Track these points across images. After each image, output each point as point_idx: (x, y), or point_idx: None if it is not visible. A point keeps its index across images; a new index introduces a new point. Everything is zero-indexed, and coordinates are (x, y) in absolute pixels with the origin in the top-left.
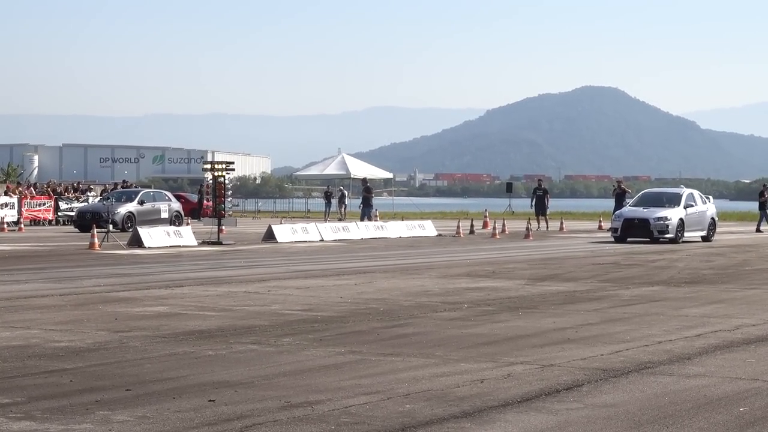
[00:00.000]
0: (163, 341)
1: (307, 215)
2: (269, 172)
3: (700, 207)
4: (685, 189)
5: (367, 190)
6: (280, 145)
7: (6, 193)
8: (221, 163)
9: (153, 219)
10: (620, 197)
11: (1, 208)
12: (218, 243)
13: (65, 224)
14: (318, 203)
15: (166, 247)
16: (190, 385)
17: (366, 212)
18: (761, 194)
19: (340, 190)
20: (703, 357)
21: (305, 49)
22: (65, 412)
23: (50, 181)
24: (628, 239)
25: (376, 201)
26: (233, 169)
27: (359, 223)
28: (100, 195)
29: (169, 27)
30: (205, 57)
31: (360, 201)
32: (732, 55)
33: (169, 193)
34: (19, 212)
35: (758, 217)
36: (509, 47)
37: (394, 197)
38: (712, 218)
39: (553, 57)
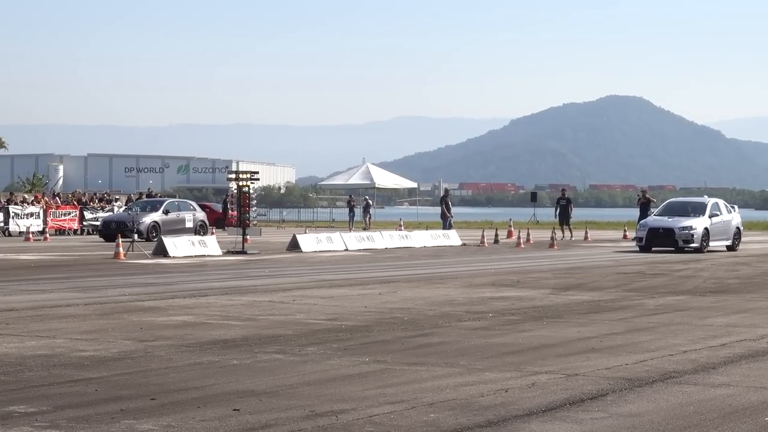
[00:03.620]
0: (188, 350)
1: (331, 225)
2: (294, 182)
3: (725, 216)
4: (709, 198)
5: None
6: (304, 154)
7: (33, 203)
8: (246, 172)
9: (178, 228)
10: (645, 207)
11: (27, 218)
12: (243, 252)
13: (90, 234)
14: (343, 213)
15: (191, 256)
16: (214, 394)
17: (445, 222)
18: None
19: (365, 199)
20: (728, 366)
21: (330, 58)
22: (90, 421)
23: (75, 191)
24: (653, 249)
25: (398, 210)
26: (258, 179)
27: (384, 232)
28: (125, 204)
29: (193, 37)
30: (230, 67)
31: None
32: (757, 65)
33: (193, 203)
34: (45, 222)
35: None
36: (534, 57)
37: (419, 207)
38: (738, 227)
39: (578, 66)
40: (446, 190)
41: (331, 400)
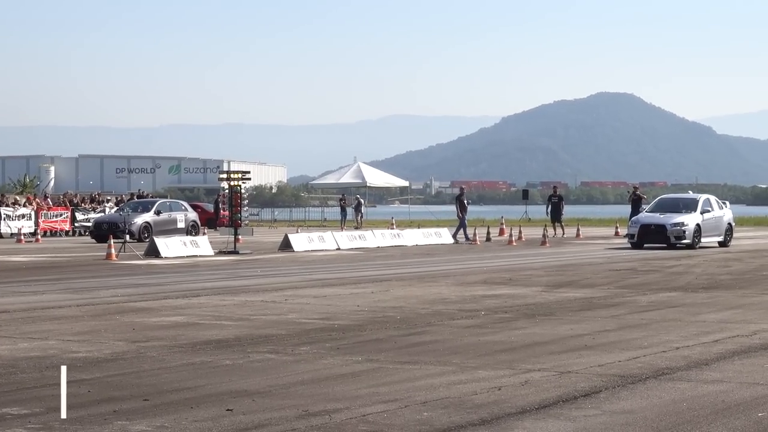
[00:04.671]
0: (181, 351)
1: (323, 224)
2: (285, 181)
3: (716, 212)
4: (700, 194)
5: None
6: (295, 154)
7: (25, 204)
8: (237, 172)
9: (169, 229)
10: (636, 203)
11: (19, 220)
12: (235, 252)
13: (82, 235)
14: (334, 212)
15: (183, 257)
16: (207, 394)
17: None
18: None
19: (357, 198)
20: (720, 362)
21: (320, 57)
22: (83, 422)
23: (67, 192)
24: (645, 245)
25: (390, 209)
26: (249, 179)
27: (375, 231)
28: (117, 205)
29: (183, 37)
30: (220, 67)
31: (457, 211)
32: (747, 61)
33: (185, 203)
34: (36, 223)
35: None
36: (523, 54)
37: (410, 205)
38: (729, 223)
39: (568, 63)
40: (461, 189)
41: (324, 400)
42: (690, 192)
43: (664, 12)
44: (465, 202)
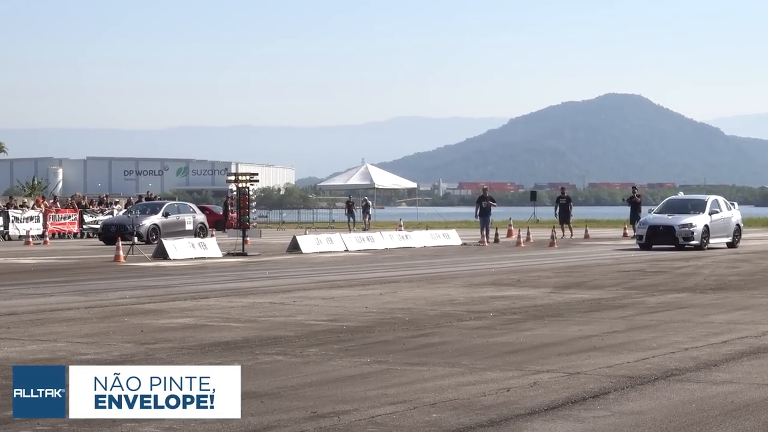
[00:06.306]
0: (189, 353)
1: (331, 226)
2: (293, 183)
3: (725, 213)
4: (708, 195)
5: (485, 199)
6: (303, 156)
7: (33, 207)
8: (245, 174)
9: (178, 231)
10: (635, 204)
11: (27, 222)
12: (243, 254)
13: (90, 237)
14: (342, 213)
15: (191, 258)
16: None
17: (483, 222)
18: None
19: (364, 200)
20: (729, 363)
21: (328, 59)
22: (92, 424)
23: (75, 195)
24: (653, 246)
25: (398, 211)
26: (257, 181)
27: (383, 232)
28: (125, 207)
29: (191, 40)
30: (228, 69)
31: (477, 211)
32: (755, 62)
33: (193, 205)
34: (44, 226)
35: None
36: (531, 56)
37: (419, 207)
38: (738, 224)
39: (576, 65)
40: (484, 190)
41: (333, 401)
42: (681, 193)
43: (672, 13)
44: (483, 204)
